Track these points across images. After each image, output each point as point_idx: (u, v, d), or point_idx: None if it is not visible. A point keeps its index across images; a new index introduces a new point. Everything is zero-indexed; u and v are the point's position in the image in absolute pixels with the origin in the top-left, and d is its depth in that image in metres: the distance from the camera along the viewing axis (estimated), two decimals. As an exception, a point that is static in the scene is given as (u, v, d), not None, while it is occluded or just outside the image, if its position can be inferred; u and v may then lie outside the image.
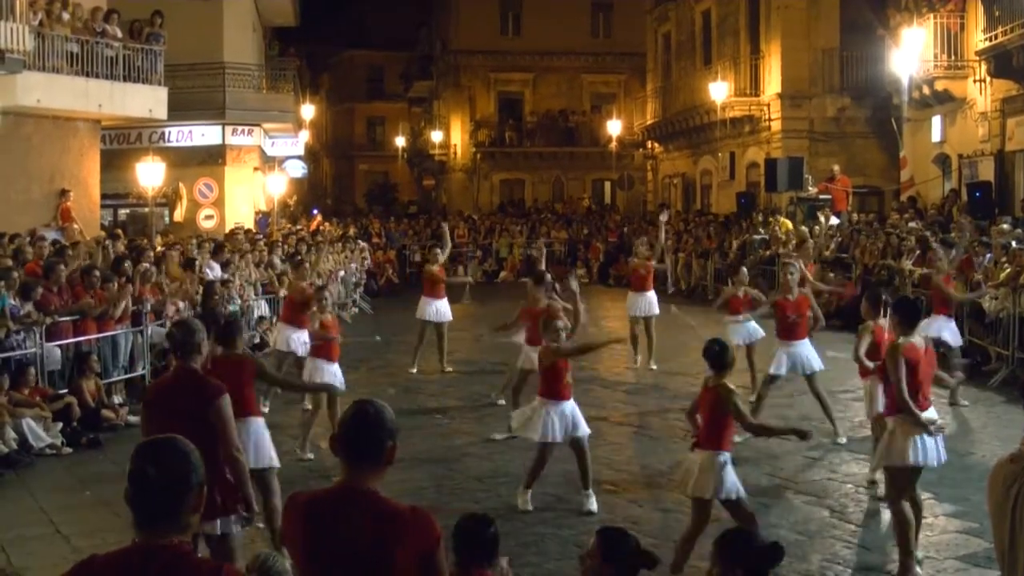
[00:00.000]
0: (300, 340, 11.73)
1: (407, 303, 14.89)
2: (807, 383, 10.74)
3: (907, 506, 6.68)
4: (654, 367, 14.65)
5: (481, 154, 42.83)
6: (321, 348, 10.41)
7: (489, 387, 13.04)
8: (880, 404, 7.84)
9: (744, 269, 13.53)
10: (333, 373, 10.24)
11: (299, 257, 14.25)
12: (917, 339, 6.85)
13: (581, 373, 14.67)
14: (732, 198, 28.70)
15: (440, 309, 14.64)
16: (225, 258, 17.05)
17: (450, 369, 14.75)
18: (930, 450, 6.67)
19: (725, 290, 12.38)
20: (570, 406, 8.26)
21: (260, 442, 6.92)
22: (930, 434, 6.66)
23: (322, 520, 3.40)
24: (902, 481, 6.75)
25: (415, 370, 14.64)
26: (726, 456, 6.50)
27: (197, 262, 15.76)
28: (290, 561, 3.85)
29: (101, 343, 12.46)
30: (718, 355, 6.60)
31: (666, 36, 35.99)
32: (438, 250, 15.79)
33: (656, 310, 14.78)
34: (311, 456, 9.98)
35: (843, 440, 10.23)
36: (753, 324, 12.32)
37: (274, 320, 12.44)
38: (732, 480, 6.47)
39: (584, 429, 8.30)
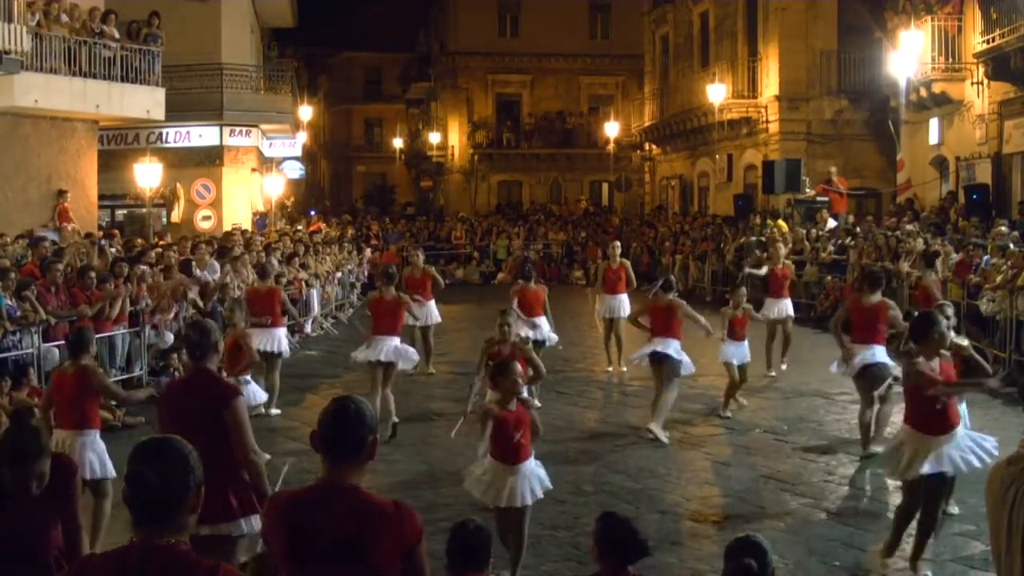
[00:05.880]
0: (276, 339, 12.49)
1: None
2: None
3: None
4: (624, 369, 14.65)
5: (479, 155, 42.85)
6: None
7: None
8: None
9: (743, 289, 12.98)
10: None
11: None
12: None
13: (577, 375, 14.77)
14: (729, 200, 28.71)
15: (419, 313, 14.61)
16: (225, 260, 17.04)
17: (432, 371, 14.71)
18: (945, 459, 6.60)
19: (724, 312, 12.12)
20: (528, 467, 6.69)
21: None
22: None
23: (304, 518, 3.40)
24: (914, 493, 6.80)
25: (415, 372, 14.61)
26: None
27: (193, 264, 15.76)
28: None
29: (98, 344, 12.42)
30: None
31: (664, 38, 36.02)
32: (419, 252, 15.81)
33: (625, 313, 14.63)
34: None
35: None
36: (747, 346, 12.11)
37: (267, 321, 12.56)
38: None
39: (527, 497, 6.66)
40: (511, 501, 6.52)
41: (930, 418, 6.63)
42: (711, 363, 12.74)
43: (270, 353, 12.22)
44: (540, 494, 6.69)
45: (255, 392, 10.97)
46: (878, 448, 9.19)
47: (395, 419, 10.85)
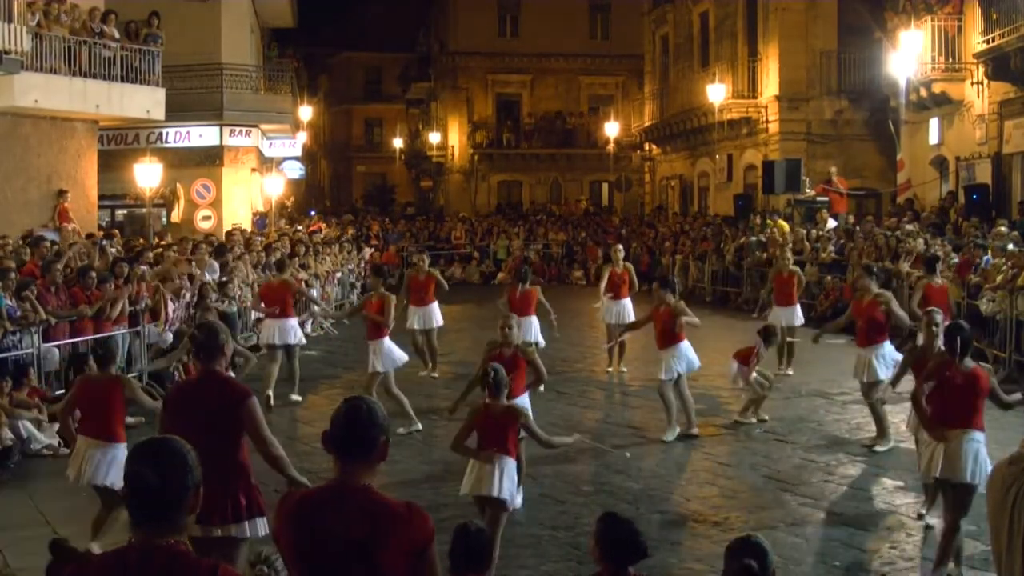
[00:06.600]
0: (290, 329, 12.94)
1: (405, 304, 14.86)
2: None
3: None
4: (624, 369, 14.65)
5: (479, 155, 42.86)
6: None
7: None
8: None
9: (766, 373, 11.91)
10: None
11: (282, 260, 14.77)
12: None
13: (577, 375, 14.74)
14: (729, 200, 28.72)
15: (423, 316, 14.58)
16: (224, 259, 17.03)
17: (436, 375, 14.67)
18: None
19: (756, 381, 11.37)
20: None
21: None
22: None
23: (315, 518, 3.39)
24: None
25: (424, 372, 14.63)
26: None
27: (193, 263, 15.76)
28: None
29: (98, 344, 12.43)
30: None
31: (664, 38, 36.02)
32: (424, 255, 15.81)
33: (630, 317, 14.53)
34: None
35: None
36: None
37: (277, 311, 12.83)
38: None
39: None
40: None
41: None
42: (711, 363, 12.74)
43: (287, 344, 12.81)
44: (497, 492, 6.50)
45: None
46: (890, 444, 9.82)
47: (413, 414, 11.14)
